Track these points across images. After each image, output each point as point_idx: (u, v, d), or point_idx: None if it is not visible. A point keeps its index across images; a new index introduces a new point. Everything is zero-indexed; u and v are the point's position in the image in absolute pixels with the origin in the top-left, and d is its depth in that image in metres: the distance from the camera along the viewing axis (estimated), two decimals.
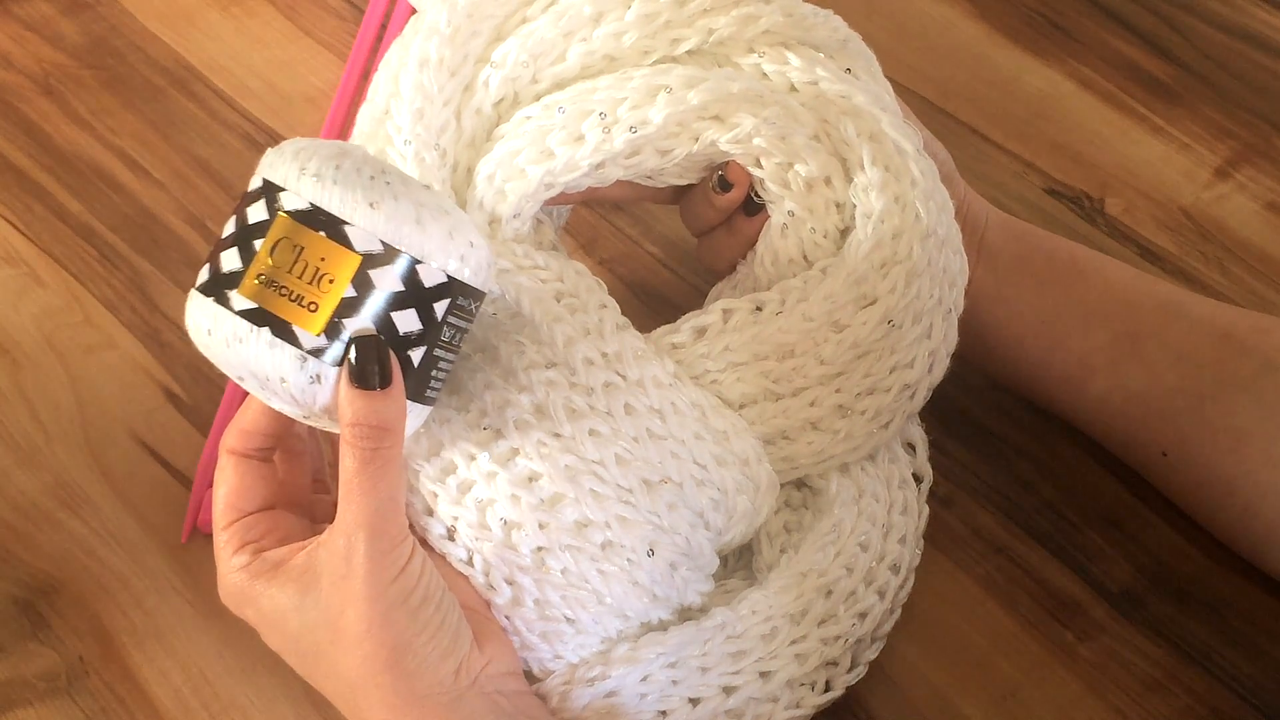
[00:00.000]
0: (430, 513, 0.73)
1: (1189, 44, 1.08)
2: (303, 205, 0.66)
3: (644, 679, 0.73)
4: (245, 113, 1.01)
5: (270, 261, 0.66)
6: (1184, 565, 0.83)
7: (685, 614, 0.76)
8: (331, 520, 0.69)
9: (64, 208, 0.95)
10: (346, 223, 0.66)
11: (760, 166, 0.78)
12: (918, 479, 0.81)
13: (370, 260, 0.66)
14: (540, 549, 0.72)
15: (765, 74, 0.79)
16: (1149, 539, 0.84)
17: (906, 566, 0.79)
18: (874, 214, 0.77)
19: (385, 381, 0.67)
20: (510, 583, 0.72)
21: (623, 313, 0.77)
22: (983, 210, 0.84)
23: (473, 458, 0.72)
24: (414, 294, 0.67)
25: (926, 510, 0.81)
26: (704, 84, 0.76)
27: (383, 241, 0.66)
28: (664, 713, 0.73)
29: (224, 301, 0.67)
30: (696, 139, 0.77)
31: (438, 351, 0.68)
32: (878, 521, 0.79)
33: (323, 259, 0.66)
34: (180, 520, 0.83)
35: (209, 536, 0.81)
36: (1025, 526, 0.84)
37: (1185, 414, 0.80)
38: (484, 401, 0.73)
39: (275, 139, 0.99)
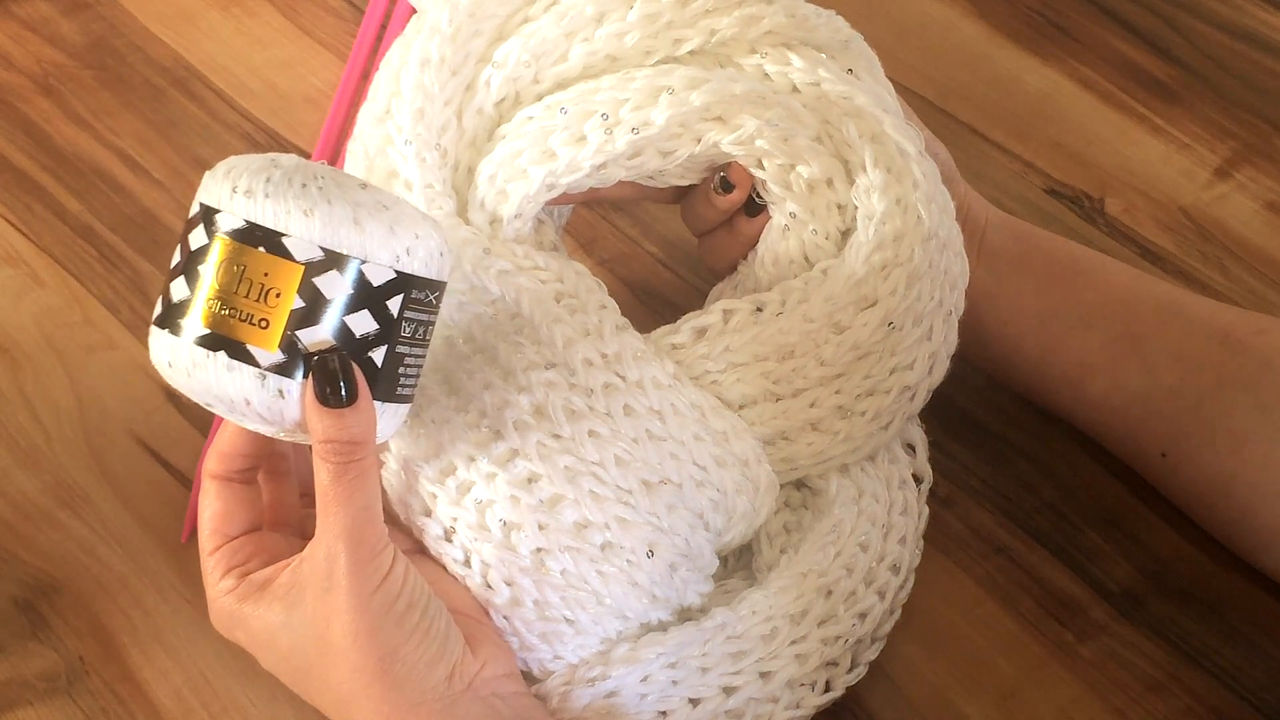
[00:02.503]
0: (428, 514, 0.73)
1: (1189, 44, 1.08)
2: (238, 224, 0.66)
3: (644, 679, 0.73)
4: (245, 113, 1.01)
5: (216, 285, 0.66)
6: (1184, 565, 0.83)
7: (685, 615, 0.76)
8: None
9: (64, 208, 0.95)
10: (283, 234, 0.66)
11: (762, 168, 0.78)
12: (918, 480, 0.81)
13: (313, 268, 0.66)
14: (539, 550, 0.72)
15: (767, 75, 0.79)
16: (1149, 539, 0.84)
17: (906, 567, 0.79)
18: (875, 216, 0.77)
19: (351, 396, 0.66)
20: (509, 584, 0.72)
21: (623, 313, 0.77)
22: (983, 210, 0.84)
23: (472, 459, 0.72)
24: (365, 295, 0.67)
25: (926, 511, 0.81)
26: (706, 85, 0.76)
27: (322, 248, 0.66)
28: (664, 713, 0.73)
29: (177, 331, 0.67)
30: (699, 140, 0.77)
31: (401, 348, 0.68)
32: (878, 522, 0.78)
33: (266, 274, 0.66)
34: (180, 520, 0.82)
35: None
36: (1025, 526, 0.84)
37: (1184, 414, 0.80)
38: (483, 402, 0.73)
39: (275, 139, 0.99)
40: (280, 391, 0.66)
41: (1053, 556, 0.83)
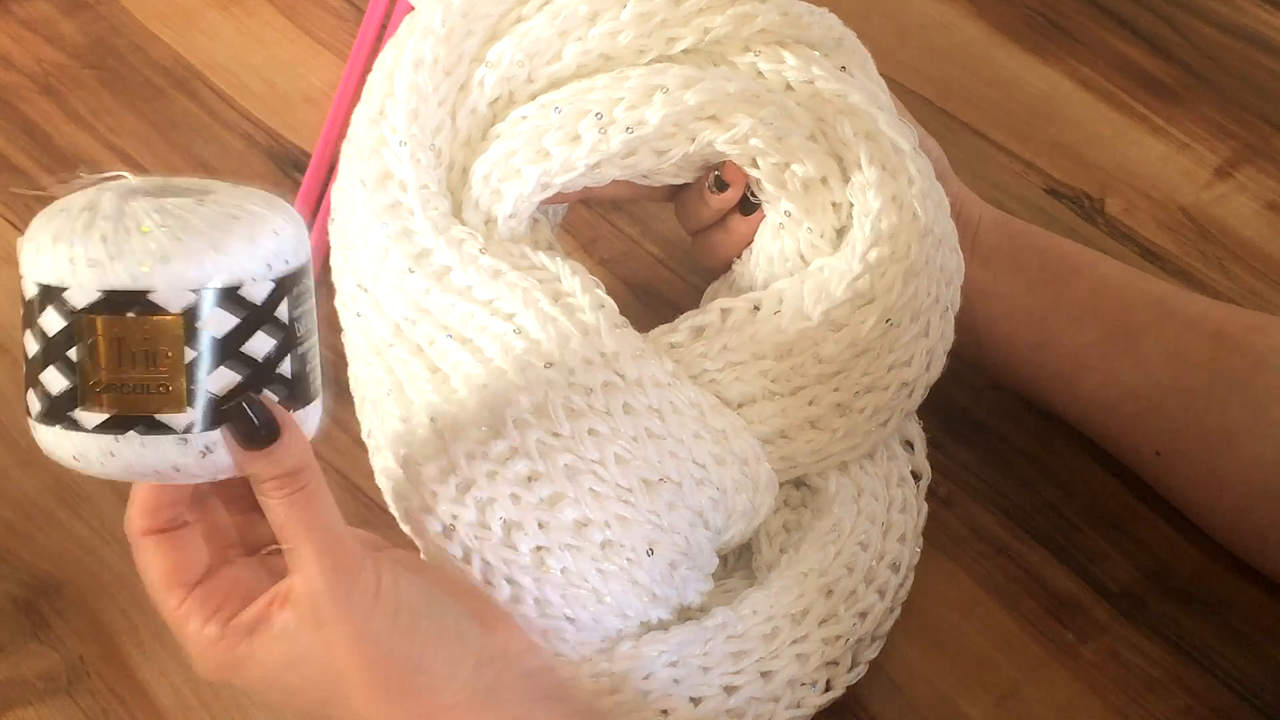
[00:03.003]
0: (428, 511, 0.73)
1: (1189, 44, 1.08)
2: (95, 296, 0.60)
3: (646, 678, 0.73)
4: (245, 113, 1.01)
5: (99, 364, 0.61)
6: (1184, 565, 0.83)
7: (685, 614, 0.76)
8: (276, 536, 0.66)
9: None
10: (148, 291, 0.60)
11: (757, 166, 0.78)
12: (916, 476, 0.81)
13: (192, 314, 0.61)
14: (540, 548, 0.72)
15: (761, 73, 0.79)
16: (1149, 539, 0.84)
17: (906, 565, 0.79)
18: (871, 213, 0.77)
19: (274, 432, 0.63)
20: (510, 581, 0.72)
21: (622, 312, 0.77)
22: (976, 208, 0.84)
23: (472, 457, 0.72)
24: (253, 317, 0.62)
25: (925, 508, 0.81)
26: (701, 84, 0.76)
27: (193, 290, 0.60)
28: (665, 711, 0.73)
29: (74, 425, 0.62)
30: (693, 139, 0.77)
31: (301, 349, 0.64)
32: (877, 520, 0.79)
33: (147, 337, 0.60)
34: None
35: None
36: (1025, 526, 0.84)
37: (1177, 412, 0.80)
38: (483, 401, 0.73)
39: (275, 139, 0.99)
40: (206, 448, 0.62)
41: (1053, 556, 0.83)
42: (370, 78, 0.79)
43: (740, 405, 0.77)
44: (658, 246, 0.95)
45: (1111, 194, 0.99)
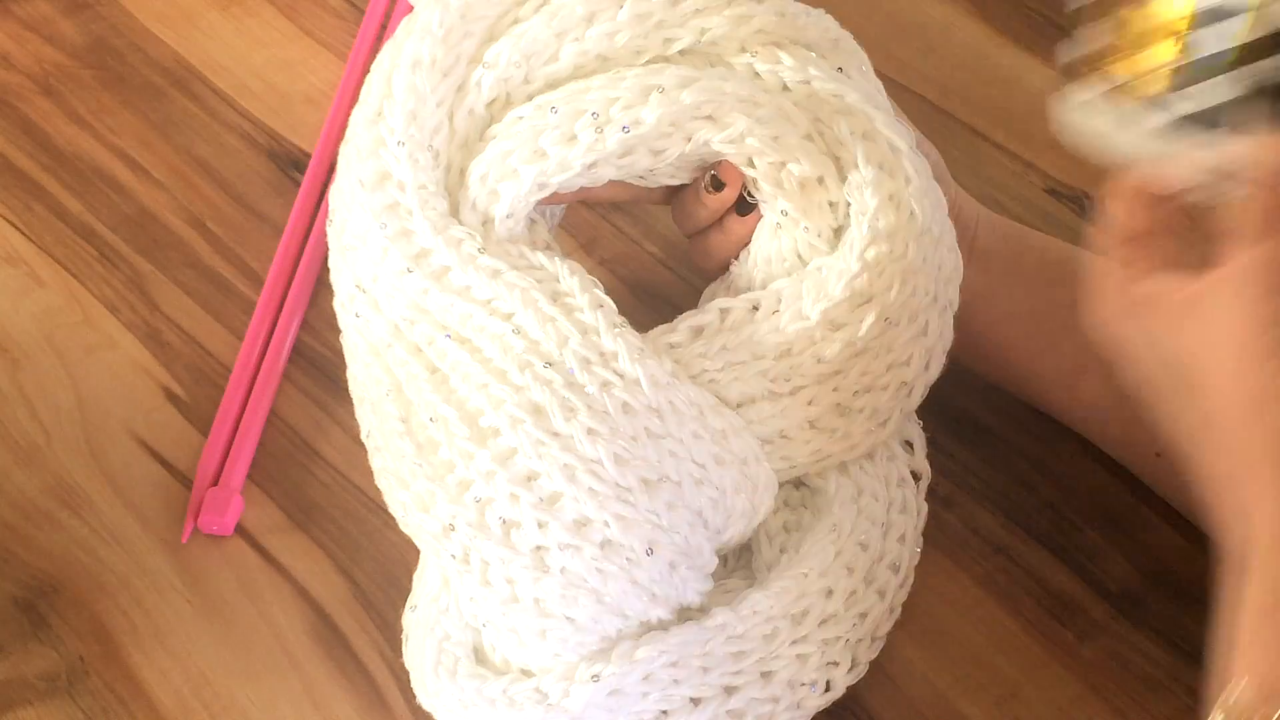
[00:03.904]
0: (425, 510, 0.73)
1: None
2: None
3: (646, 678, 0.73)
4: (245, 113, 1.01)
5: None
6: (1184, 565, 0.83)
7: (685, 614, 0.76)
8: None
9: (64, 208, 0.96)
10: None
11: (753, 166, 0.78)
12: (916, 477, 0.81)
13: None
14: (539, 548, 0.72)
15: (758, 73, 0.79)
16: (1149, 539, 0.84)
17: (906, 565, 0.79)
18: (868, 212, 0.77)
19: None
20: (509, 581, 0.72)
21: (622, 312, 0.77)
22: (973, 211, 0.84)
23: (471, 456, 0.72)
24: None
25: (925, 508, 0.81)
26: (697, 84, 0.76)
27: None
28: (665, 712, 0.74)
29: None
30: (689, 139, 0.77)
31: None
32: (877, 520, 0.79)
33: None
34: (180, 520, 0.83)
35: (209, 537, 0.82)
36: (1025, 526, 0.84)
37: None
38: (480, 400, 0.73)
39: (275, 139, 0.99)
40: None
41: (1053, 556, 0.83)
42: (368, 79, 0.79)
43: (739, 405, 0.77)
44: (658, 246, 0.95)
45: None
